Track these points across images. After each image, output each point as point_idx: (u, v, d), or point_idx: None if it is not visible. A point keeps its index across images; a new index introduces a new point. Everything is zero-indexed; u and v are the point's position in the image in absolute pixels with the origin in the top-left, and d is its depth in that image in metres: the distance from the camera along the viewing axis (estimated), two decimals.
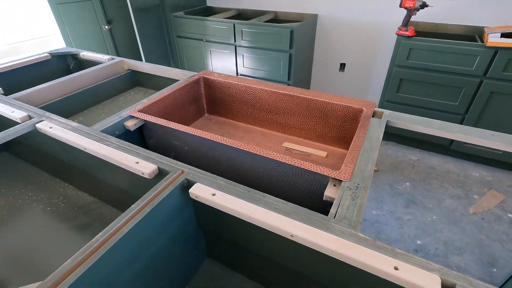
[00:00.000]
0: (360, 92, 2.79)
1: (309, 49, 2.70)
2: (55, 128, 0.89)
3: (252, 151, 0.80)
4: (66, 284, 0.47)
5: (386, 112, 0.99)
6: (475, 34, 2.02)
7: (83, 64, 1.70)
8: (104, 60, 1.56)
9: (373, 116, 0.98)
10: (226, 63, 2.67)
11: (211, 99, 1.38)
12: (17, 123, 0.95)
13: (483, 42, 1.76)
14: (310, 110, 1.13)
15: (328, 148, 1.17)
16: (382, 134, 0.89)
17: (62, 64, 1.72)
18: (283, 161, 0.76)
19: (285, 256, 0.63)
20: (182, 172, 0.71)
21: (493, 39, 1.66)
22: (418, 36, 1.89)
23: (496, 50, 1.68)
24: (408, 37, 1.86)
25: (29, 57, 1.55)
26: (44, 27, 3.67)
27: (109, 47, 2.93)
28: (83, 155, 0.85)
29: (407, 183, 1.94)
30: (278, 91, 1.16)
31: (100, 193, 0.96)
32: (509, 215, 1.71)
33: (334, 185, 0.71)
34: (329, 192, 0.69)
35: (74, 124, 0.92)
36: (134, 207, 0.59)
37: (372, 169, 0.74)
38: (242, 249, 0.73)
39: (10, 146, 1.18)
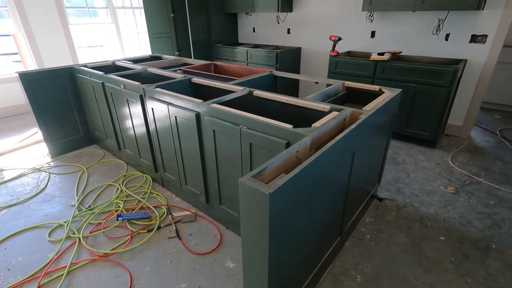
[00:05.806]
0: None
1: (294, 68, 4.22)
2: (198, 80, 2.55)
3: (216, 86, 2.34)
4: None
5: (274, 71, 2.45)
6: None
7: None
8: (173, 57, 3.30)
9: (270, 72, 2.45)
10: None
11: (216, 73, 2.96)
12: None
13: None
14: (249, 72, 2.63)
15: None
16: (270, 74, 2.35)
17: (154, 60, 3.52)
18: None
19: None
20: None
21: (373, 56, 3.00)
22: (348, 57, 3.30)
23: (375, 62, 3.01)
24: (334, 56, 3.28)
25: (142, 55, 3.38)
26: (140, 51, 5.86)
27: None
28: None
29: None
30: (239, 66, 2.70)
31: None
32: None
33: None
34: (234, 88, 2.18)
35: (180, 75, 2.57)
36: None
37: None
38: None
39: None
